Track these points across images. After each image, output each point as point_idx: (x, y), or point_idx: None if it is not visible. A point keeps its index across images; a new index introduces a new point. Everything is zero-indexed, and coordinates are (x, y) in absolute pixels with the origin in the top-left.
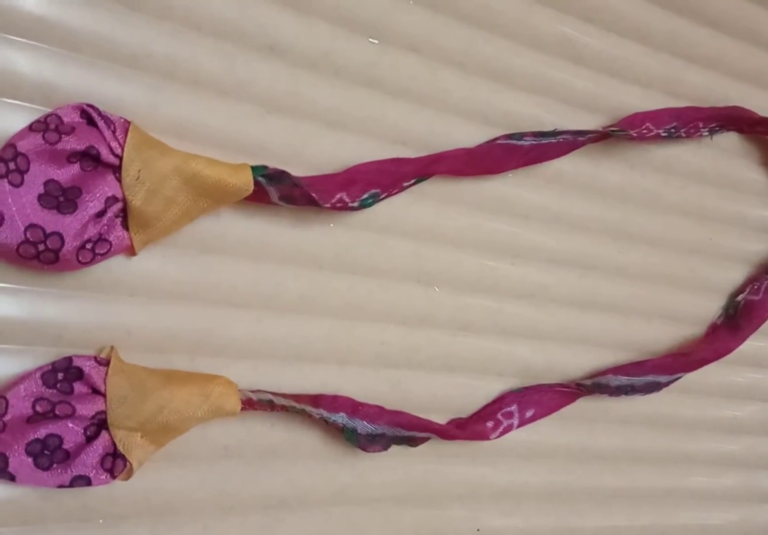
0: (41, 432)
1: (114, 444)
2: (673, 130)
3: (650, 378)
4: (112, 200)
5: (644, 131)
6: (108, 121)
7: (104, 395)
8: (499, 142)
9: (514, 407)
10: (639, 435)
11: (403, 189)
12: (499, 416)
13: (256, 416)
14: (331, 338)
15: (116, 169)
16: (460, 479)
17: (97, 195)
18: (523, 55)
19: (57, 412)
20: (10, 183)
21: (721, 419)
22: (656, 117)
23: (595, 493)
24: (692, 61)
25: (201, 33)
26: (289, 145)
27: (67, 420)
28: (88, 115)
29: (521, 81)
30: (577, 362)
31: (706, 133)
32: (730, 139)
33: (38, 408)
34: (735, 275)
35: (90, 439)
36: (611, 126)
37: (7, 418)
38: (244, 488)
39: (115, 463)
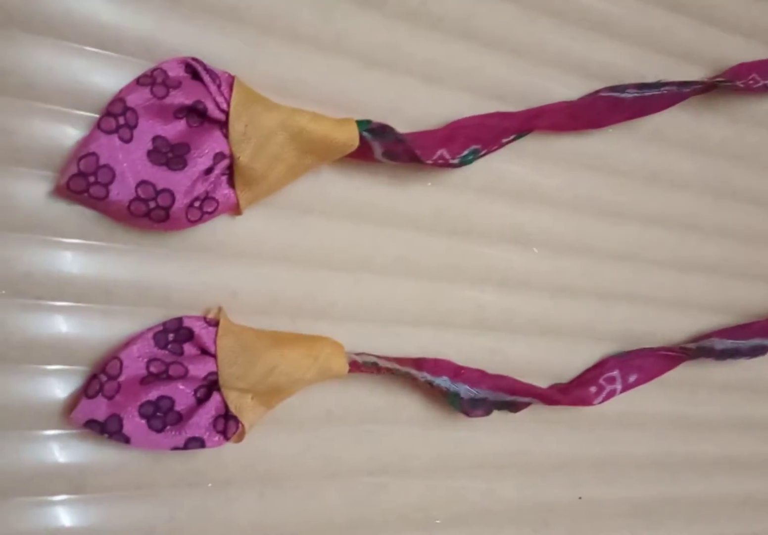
0: (153, 394)
1: (225, 406)
2: None
3: (756, 341)
4: (219, 156)
5: (750, 82)
6: (213, 75)
7: (215, 356)
8: (601, 94)
9: (616, 372)
10: (742, 402)
11: (502, 145)
12: (601, 380)
13: (358, 381)
14: (429, 300)
15: (223, 125)
16: (561, 446)
17: (206, 151)
18: (622, 3)
19: (170, 372)
20: (120, 138)
21: None
22: (763, 67)
23: (697, 461)
24: None
25: None
26: (387, 99)
27: (179, 382)
28: (193, 69)
29: (621, 31)
30: (678, 326)
31: None
32: None
33: (152, 368)
34: None
35: (201, 401)
36: (716, 77)
37: (121, 379)
38: (347, 453)
39: (227, 424)
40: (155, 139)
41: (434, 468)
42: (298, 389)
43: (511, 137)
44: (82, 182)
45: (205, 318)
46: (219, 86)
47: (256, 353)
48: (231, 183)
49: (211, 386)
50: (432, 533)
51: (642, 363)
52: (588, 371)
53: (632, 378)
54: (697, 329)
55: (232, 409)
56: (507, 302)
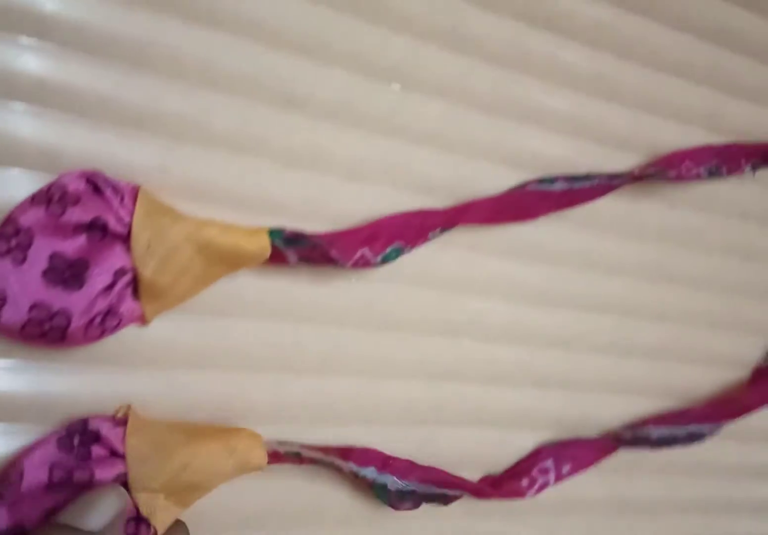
0: (59, 498)
1: (137, 508)
2: (714, 169)
3: (693, 428)
4: (121, 272)
5: (683, 171)
6: (116, 188)
7: (124, 457)
8: (529, 188)
9: (549, 462)
10: (680, 484)
11: (428, 240)
12: (534, 472)
13: (277, 478)
14: (356, 397)
15: (125, 239)
16: None
17: (106, 268)
18: (553, 94)
19: (75, 479)
20: (13, 260)
21: (765, 464)
22: (696, 155)
23: None
24: (733, 94)
25: (213, 89)
26: (308, 200)
27: (85, 486)
28: (94, 183)
29: (552, 121)
30: (614, 412)
31: (748, 170)
32: None
33: (54, 476)
34: None
35: None
36: (648, 166)
37: (23, 487)
38: None
39: (138, 528)
40: (52, 256)
41: None
42: (216, 485)
43: (437, 231)
44: None
45: (113, 418)
46: (122, 199)
47: (167, 450)
48: (136, 295)
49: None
50: None
51: (576, 453)
52: (521, 461)
53: (566, 468)
54: (634, 414)
55: (143, 511)
56: (438, 393)
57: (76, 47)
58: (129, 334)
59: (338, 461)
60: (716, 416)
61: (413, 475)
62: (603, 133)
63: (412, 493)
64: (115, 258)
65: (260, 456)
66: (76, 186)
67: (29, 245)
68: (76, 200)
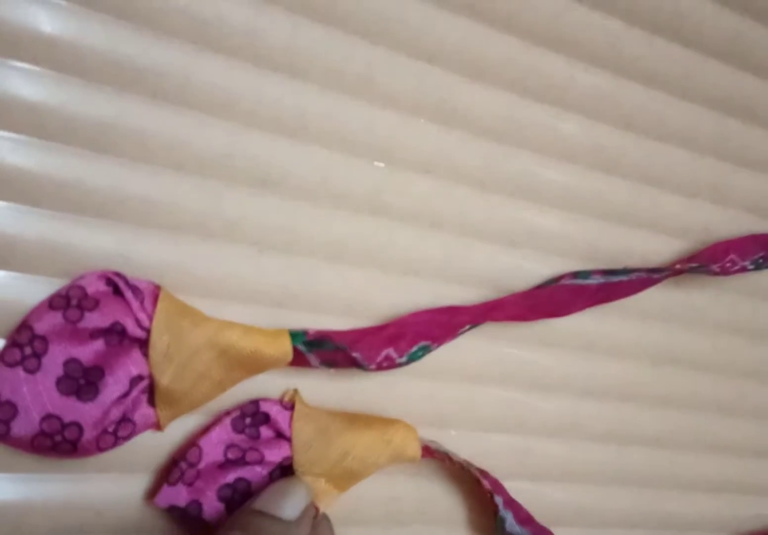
0: (231, 477)
1: None
2: (761, 261)
3: None
4: (137, 379)
5: (728, 264)
6: (136, 290)
7: (289, 440)
8: (563, 282)
9: None
10: None
11: (456, 336)
12: None
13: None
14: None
15: (143, 343)
16: None
17: (122, 376)
18: (549, 167)
19: (247, 458)
20: (25, 370)
21: None
22: (741, 247)
23: None
24: (740, 164)
25: (182, 172)
26: (284, 286)
27: (256, 465)
28: (114, 284)
29: (548, 196)
30: (616, 506)
31: None
32: None
33: (230, 455)
34: None
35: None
36: (691, 258)
37: (201, 466)
38: None
39: None
40: (67, 363)
41: None
42: (372, 472)
43: (466, 328)
44: None
45: (281, 402)
46: (142, 301)
47: (330, 437)
48: (151, 401)
49: (285, 469)
50: None
51: None
52: None
53: None
54: (637, 507)
55: None
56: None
57: (35, 134)
58: (141, 441)
59: (479, 476)
60: None
61: (531, 527)
62: (602, 208)
63: None
64: (131, 365)
65: (415, 448)
66: (96, 288)
67: (44, 353)
68: (95, 305)
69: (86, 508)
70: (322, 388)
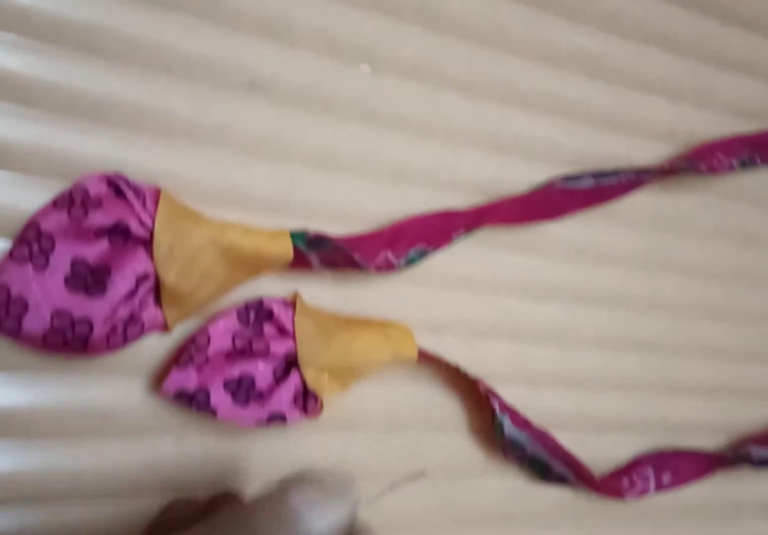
0: (235, 371)
1: (304, 384)
2: (747, 159)
3: None
4: (143, 277)
5: (715, 163)
6: (137, 191)
7: (292, 336)
8: (555, 186)
9: (649, 470)
10: None
11: (452, 241)
12: (634, 477)
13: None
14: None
15: (147, 243)
16: None
17: (128, 274)
18: (532, 72)
19: (253, 347)
20: (34, 266)
21: None
22: (727, 146)
23: None
24: (721, 66)
25: (171, 75)
26: (277, 191)
27: (259, 360)
28: (116, 185)
29: (533, 102)
30: (611, 410)
31: None
32: None
33: (237, 343)
34: None
35: (279, 380)
36: (679, 159)
37: (209, 351)
38: None
39: (307, 401)
40: (74, 262)
41: None
42: (371, 370)
43: (461, 233)
44: None
45: (283, 300)
46: (143, 202)
47: (330, 333)
48: (158, 301)
49: (289, 365)
50: None
51: (677, 465)
52: (621, 468)
53: (666, 479)
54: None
55: (311, 385)
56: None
57: (24, 34)
58: (149, 343)
59: (476, 379)
60: None
61: (528, 430)
62: (588, 112)
63: (522, 448)
64: (137, 263)
65: (412, 348)
66: (98, 189)
67: (51, 250)
68: (98, 204)
69: (93, 411)
70: (322, 294)
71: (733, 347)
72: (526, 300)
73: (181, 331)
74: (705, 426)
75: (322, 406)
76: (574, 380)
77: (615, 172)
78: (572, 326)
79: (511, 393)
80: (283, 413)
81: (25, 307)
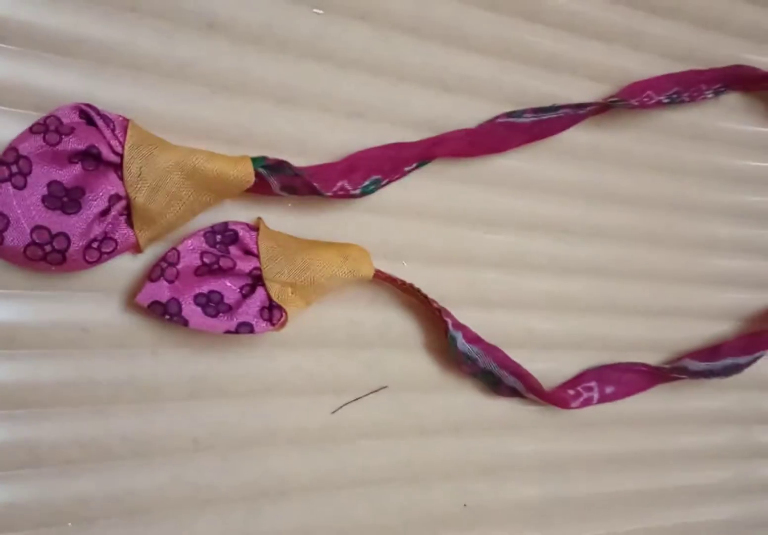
0: (204, 288)
1: (269, 299)
2: (675, 96)
3: (729, 361)
4: (115, 198)
5: (645, 99)
6: (107, 119)
7: (257, 257)
8: (499, 120)
9: (593, 383)
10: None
11: (405, 174)
12: (579, 388)
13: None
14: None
15: (118, 168)
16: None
17: (100, 194)
18: (476, 15)
19: (221, 264)
20: (14, 186)
21: None
22: (657, 84)
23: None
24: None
25: (136, 14)
26: (239, 125)
27: (227, 278)
28: (87, 115)
29: (477, 44)
30: (559, 329)
31: (711, 95)
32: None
33: (205, 259)
34: None
35: (246, 296)
36: (611, 97)
37: (179, 266)
38: (219, 480)
39: (272, 314)
40: (50, 184)
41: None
42: (333, 286)
43: (413, 165)
44: None
45: (247, 224)
46: (113, 130)
47: (293, 252)
48: (129, 223)
49: (255, 283)
50: None
51: (620, 377)
52: (567, 381)
53: (609, 390)
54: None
55: (276, 299)
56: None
57: None
58: (122, 264)
59: (427, 296)
60: (750, 348)
61: (480, 345)
62: (528, 54)
63: (474, 361)
64: (109, 185)
65: (369, 267)
66: (70, 118)
67: (29, 172)
68: (71, 131)
69: (73, 325)
70: (284, 222)
71: (670, 271)
72: (477, 229)
73: (152, 252)
74: (646, 344)
75: (287, 318)
76: (523, 302)
77: (554, 108)
78: (521, 252)
79: (465, 315)
80: (250, 323)
81: (7, 222)
